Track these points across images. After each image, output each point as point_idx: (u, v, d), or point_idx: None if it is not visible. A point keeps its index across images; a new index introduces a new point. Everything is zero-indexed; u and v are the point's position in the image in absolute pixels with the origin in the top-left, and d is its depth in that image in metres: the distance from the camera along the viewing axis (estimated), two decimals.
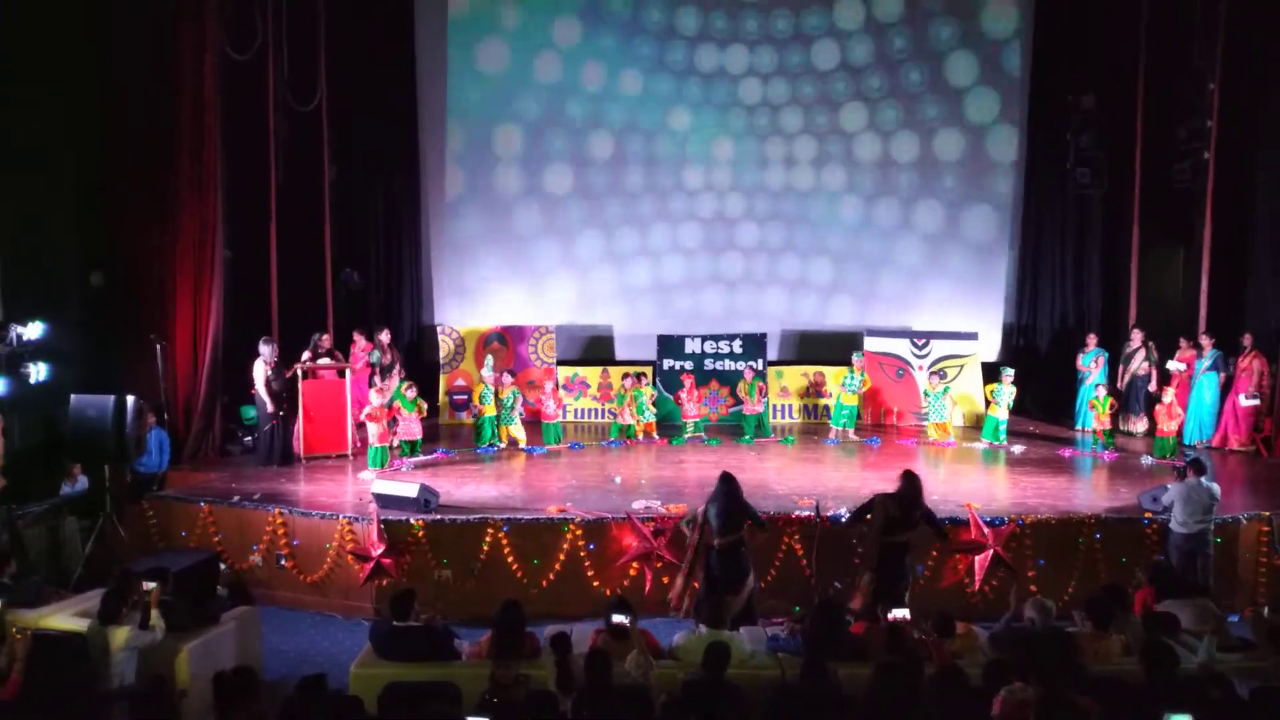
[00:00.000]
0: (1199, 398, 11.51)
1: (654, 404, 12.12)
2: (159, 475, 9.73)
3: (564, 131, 13.87)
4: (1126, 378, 12.27)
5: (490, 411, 11.31)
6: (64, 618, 6.29)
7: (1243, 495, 9.27)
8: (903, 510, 7.11)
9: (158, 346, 9.99)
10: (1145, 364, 12.14)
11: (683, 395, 12.24)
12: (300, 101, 11.95)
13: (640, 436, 11.88)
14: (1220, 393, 11.47)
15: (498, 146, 13.84)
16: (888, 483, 7.64)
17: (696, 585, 7.57)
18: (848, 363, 12.35)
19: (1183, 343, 11.74)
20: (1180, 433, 11.14)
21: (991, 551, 8.00)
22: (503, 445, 11.29)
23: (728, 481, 7.39)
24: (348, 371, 10.93)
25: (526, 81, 13.72)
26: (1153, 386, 12.00)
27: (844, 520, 7.86)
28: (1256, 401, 11.11)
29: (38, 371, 8.23)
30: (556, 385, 12.13)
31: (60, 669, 5.62)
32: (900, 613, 5.97)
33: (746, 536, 7.38)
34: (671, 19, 13.77)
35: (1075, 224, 13.81)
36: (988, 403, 11.87)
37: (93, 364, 9.76)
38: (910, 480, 7.25)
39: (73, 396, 8.63)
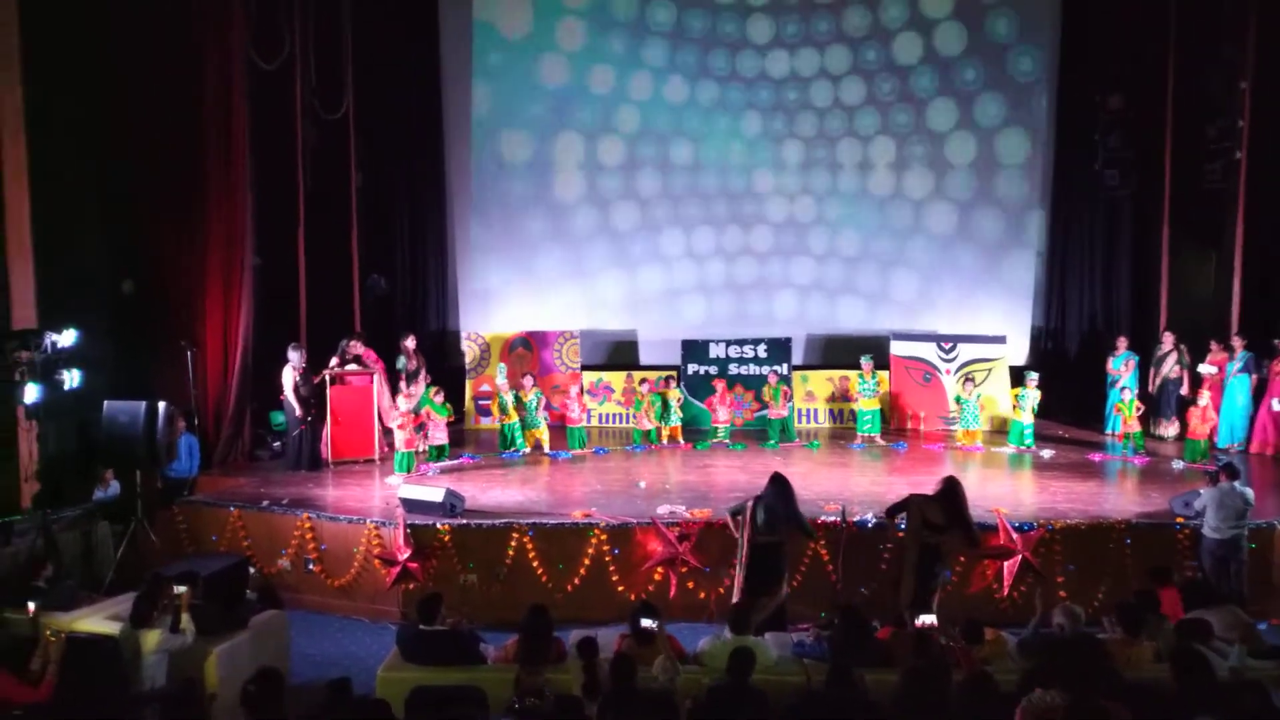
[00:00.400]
0: (1231, 401, 11.34)
1: (681, 408, 12.10)
2: (189, 480, 9.84)
3: (585, 137, 13.91)
4: (1158, 381, 12.12)
5: (512, 418, 11.35)
6: (96, 621, 6.37)
7: (1277, 500, 9.11)
8: (946, 516, 7.08)
9: (188, 353, 10.11)
10: (1177, 367, 11.97)
11: (714, 400, 12.23)
12: (327, 110, 12.08)
13: (665, 440, 11.88)
14: (1253, 396, 11.29)
15: (522, 152, 13.90)
16: (914, 487, 7.61)
17: (726, 585, 7.51)
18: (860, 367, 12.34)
19: (1214, 345, 11.58)
20: (1212, 436, 10.99)
21: (1020, 557, 7.92)
22: (528, 449, 11.32)
23: (778, 483, 7.32)
24: (377, 376, 11.01)
25: (548, 88, 13.78)
26: (1184, 390, 11.84)
27: (872, 521, 7.83)
28: None
29: (71, 378, 8.34)
30: (581, 390, 12.15)
31: (93, 671, 5.71)
32: (927, 619, 5.94)
33: (787, 541, 7.33)
34: (684, 20, 13.76)
35: (1104, 225, 13.66)
36: (1013, 407, 11.77)
37: (124, 370, 9.89)
38: (952, 485, 7.21)
39: (105, 403, 8.75)
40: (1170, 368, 12.03)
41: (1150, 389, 12.10)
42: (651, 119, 13.92)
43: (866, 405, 12.16)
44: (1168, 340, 12.12)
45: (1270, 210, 11.77)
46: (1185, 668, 4.98)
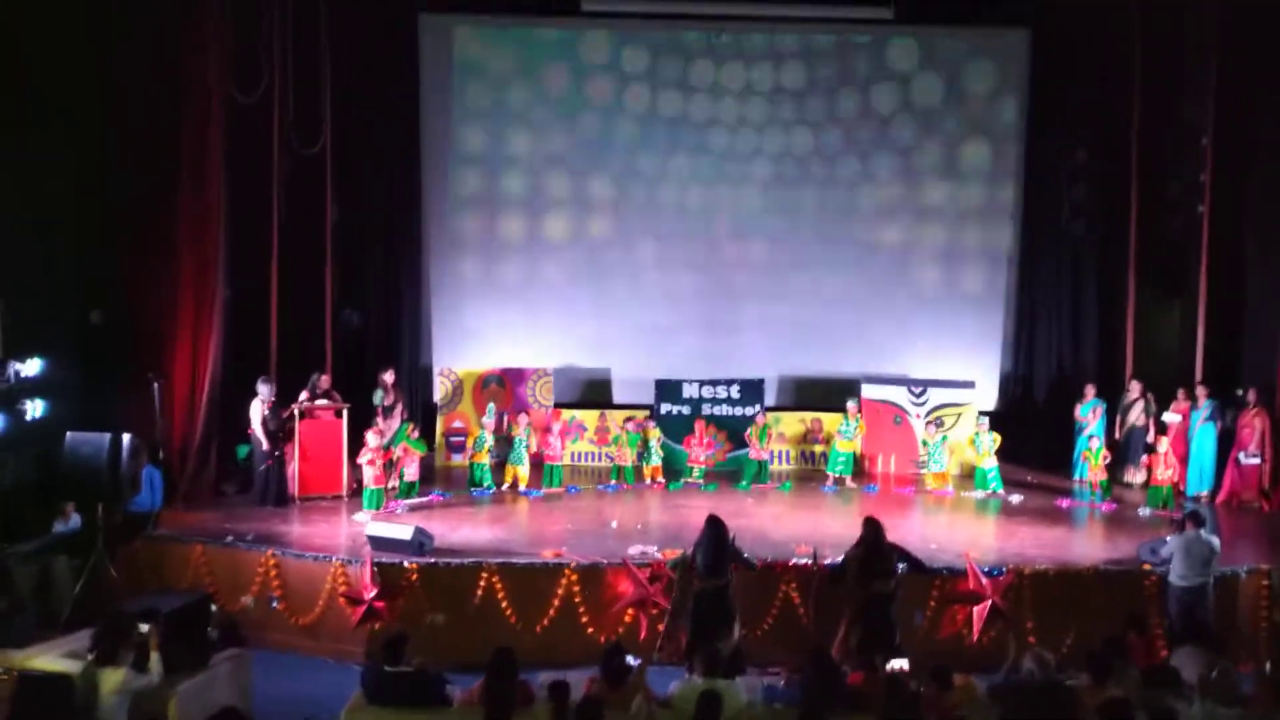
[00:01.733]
0: (1199, 449, 11.49)
1: (661, 447, 12.09)
2: (152, 514, 9.65)
3: (565, 176, 13.99)
4: (1124, 429, 12.27)
5: (482, 458, 11.28)
6: (51, 658, 6.20)
7: (1243, 548, 9.22)
8: (870, 558, 7.08)
9: (155, 384, 9.97)
10: (1143, 415, 12.12)
11: (692, 440, 12.22)
12: (304, 143, 12.07)
13: (647, 480, 11.83)
14: (1218, 443, 11.46)
15: (500, 189, 13.93)
16: (886, 531, 7.60)
17: (683, 634, 7.48)
18: (844, 409, 12.36)
19: (1180, 394, 11.77)
20: (1178, 483, 11.12)
21: (990, 602, 7.95)
22: (505, 487, 11.25)
23: (714, 525, 7.35)
24: (344, 412, 10.91)
25: (529, 124, 13.87)
26: (1150, 437, 11.98)
27: (829, 576, 7.85)
28: (1258, 460, 11.08)
29: (35, 408, 8.22)
30: (563, 427, 12.15)
31: (46, 711, 5.53)
32: (899, 663, 5.93)
33: (735, 581, 7.33)
34: (658, 66, 13.91)
35: (1070, 275, 13.88)
36: (974, 454, 11.86)
37: (90, 401, 9.74)
38: (869, 526, 7.23)
39: (68, 434, 8.59)
40: (1137, 415, 12.18)
41: (1117, 436, 12.25)
42: (631, 160, 14.01)
43: (843, 447, 12.20)
44: (1134, 388, 12.28)
45: (1232, 263, 12.04)
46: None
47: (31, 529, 8.76)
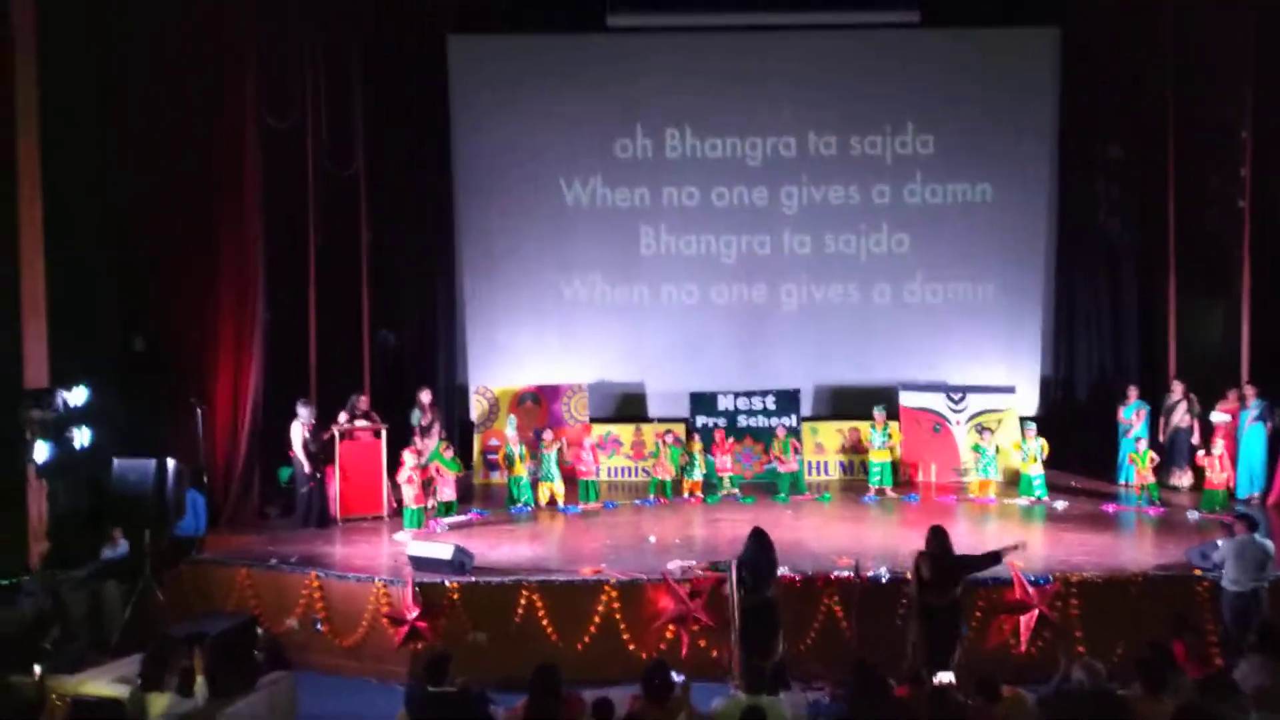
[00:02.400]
0: (1249, 450, 11.23)
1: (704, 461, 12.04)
2: (197, 539, 9.79)
3: (595, 190, 14.03)
4: (1168, 431, 12.02)
5: (519, 472, 11.29)
6: (103, 683, 6.31)
7: None
8: (934, 570, 6.98)
9: (198, 410, 10.12)
10: (1187, 416, 11.88)
11: (715, 449, 12.16)
12: (339, 167, 12.24)
13: (686, 494, 11.78)
14: (1269, 444, 11.20)
15: (530, 205, 14.01)
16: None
17: (727, 649, 7.41)
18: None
19: (1229, 394, 11.50)
20: (1231, 486, 10.88)
21: (1037, 611, 7.82)
22: (544, 504, 11.26)
23: (759, 538, 7.26)
24: (382, 432, 10.99)
25: (558, 141, 13.93)
26: (1195, 439, 11.74)
27: (886, 576, 7.76)
28: None
29: (82, 436, 8.37)
30: (594, 443, 12.14)
31: None
32: (945, 676, 5.85)
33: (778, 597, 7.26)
34: (692, 79, 13.94)
35: (1109, 274, 13.68)
36: (1021, 460, 11.69)
37: (135, 428, 9.88)
38: (936, 535, 7.11)
39: (115, 461, 8.74)
40: (1180, 417, 11.94)
41: (1161, 438, 12.01)
42: (660, 175, 14.05)
43: (878, 457, 12.08)
44: (1177, 389, 12.04)
45: (1276, 257, 11.79)
46: None
47: (81, 556, 8.90)
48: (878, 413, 12.21)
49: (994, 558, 7.23)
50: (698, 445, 11.99)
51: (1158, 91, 12.58)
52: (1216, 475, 10.63)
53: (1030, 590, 7.87)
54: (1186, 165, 12.59)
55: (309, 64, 11.56)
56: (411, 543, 8.93)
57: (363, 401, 11.10)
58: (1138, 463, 11.15)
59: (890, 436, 12.24)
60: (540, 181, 14.00)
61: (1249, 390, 11.34)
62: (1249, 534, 7.60)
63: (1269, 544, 7.64)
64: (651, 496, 11.75)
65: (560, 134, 13.93)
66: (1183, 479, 11.92)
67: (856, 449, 13.01)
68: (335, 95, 12.09)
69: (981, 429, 12.33)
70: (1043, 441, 11.51)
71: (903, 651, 7.27)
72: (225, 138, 10.57)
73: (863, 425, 12.76)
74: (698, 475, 11.85)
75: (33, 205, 8.91)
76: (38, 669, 6.36)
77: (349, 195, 12.64)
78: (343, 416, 10.82)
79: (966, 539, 9.57)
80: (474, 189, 13.98)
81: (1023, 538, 8.34)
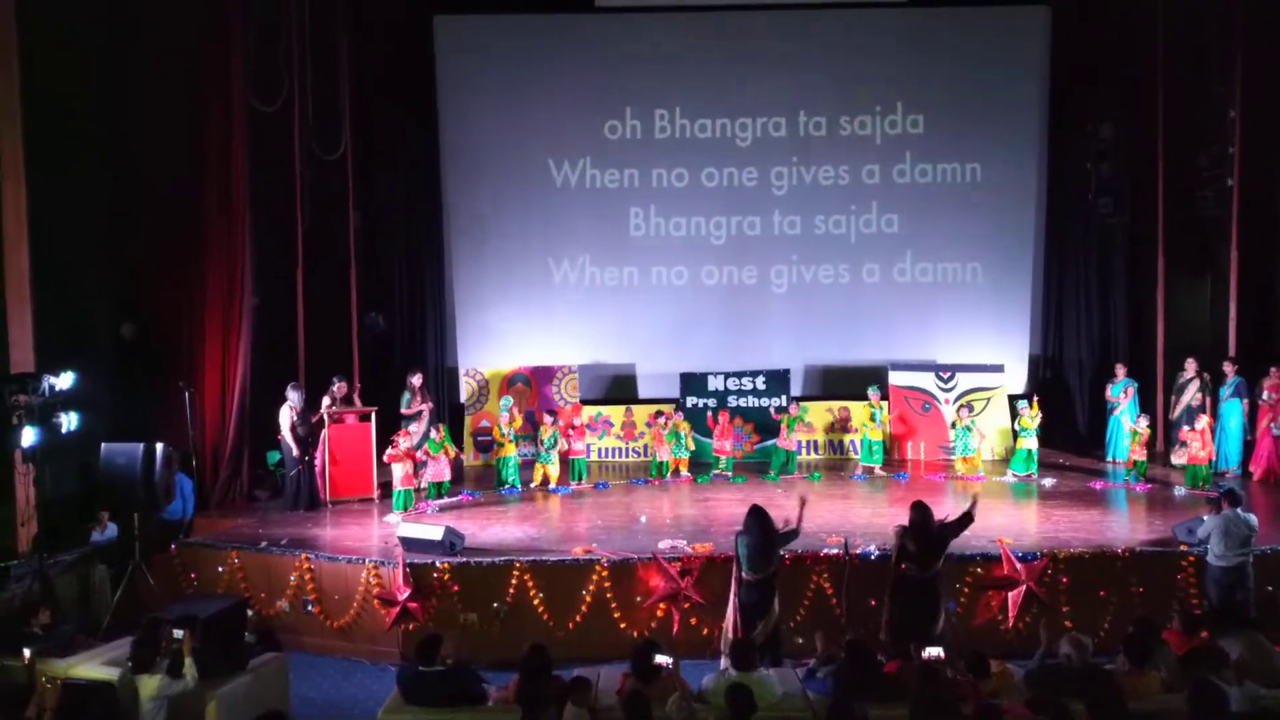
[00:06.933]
0: (1224, 426, 11.28)
1: (691, 440, 12.06)
2: (185, 522, 9.78)
3: (585, 172, 13.99)
4: (1179, 409, 11.91)
5: (509, 451, 11.29)
6: (93, 666, 6.31)
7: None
8: (917, 543, 7.01)
9: (186, 394, 10.08)
10: (1199, 395, 11.80)
11: (716, 430, 12.15)
12: (325, 150, 12.16)
13: (670, 474, 11.81)
14: (1245, 420, 11.24)
15: (519, 187, 13.96)
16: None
17: (724, 624, 7.44)
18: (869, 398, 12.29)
19: (1271, 370, 11.02)
20: (1213, 460, 10.94)
21: (1025, 587, 7.87)
22: (535, 485, 11.27)
23: (759, 516, 7.27)
24: (372, 415, 10.97)
25: (546, 121, 13.87)
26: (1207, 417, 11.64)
27: (875, 554, 7.82)
28: None
29: (69, 421, 8.33)
30: (583, 423, 12.14)
31: (90, 719, 5.63)
32: (934, 651, 5.88)
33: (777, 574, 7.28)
34: (682, 59, 13.88)
35: (1098, 253, 13.73)
36: (1015, 435, 11.73)
37: (123, 412, 9.87)
38: (918, 509, 7.14)
39: (103, 445, 8.71)
40: (1193, 395, 11.87)
41: (1172, 416, 11.98)
42: (649, 156, 14.00)
43: (874, 435, 12.10)
44: (1190, 367, 11.90)
45: (1264, 236, 11.83)
46: (1201, 701, 4.92)
47: (70, 539, 8.89)
48: (873, 393, 12.19)
49: (967, 518, 7.27)
50: (684, 425, 12.00)
51: (1148, 70, 12.57)
52: (1199, 451, 10.68)
53: (1018, 566, 7.92)
54: (1176, 144, 12.61)
55: (295, 47, 11.45)
56: (402, 524, 8.94)
57: (340, 387, 10.97)
58: (1132, 440, 11.17)
59: (885, 416, 12.24)
60: (529, 163, 13.95)
61: (1227, 367, 11.36)
62: (1234, 509, 7.66)
63: (1252, 518, 7.71)
64: (652, 478, 11.75)
65: (549, 115, 13.88)
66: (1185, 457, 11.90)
67: (845, 428, 13.04)
68: (321, 78, 12.00)
69: (961, 407, 12.36)
70: (1035, 409, 11.47)
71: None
72: (211, 121, 10.47)
73: (853, 405, 12.78)
74: (683, 454, 11.88)
75: (17, 190, 8.84)
76: (27, 652, 6.33)
77: (336, 178, 12.58)
78: (325, 401, 10.75)
79: (953, 516, 9.63)
80: (462, 171, 13.93)
81: (977, 490, 9.31)
